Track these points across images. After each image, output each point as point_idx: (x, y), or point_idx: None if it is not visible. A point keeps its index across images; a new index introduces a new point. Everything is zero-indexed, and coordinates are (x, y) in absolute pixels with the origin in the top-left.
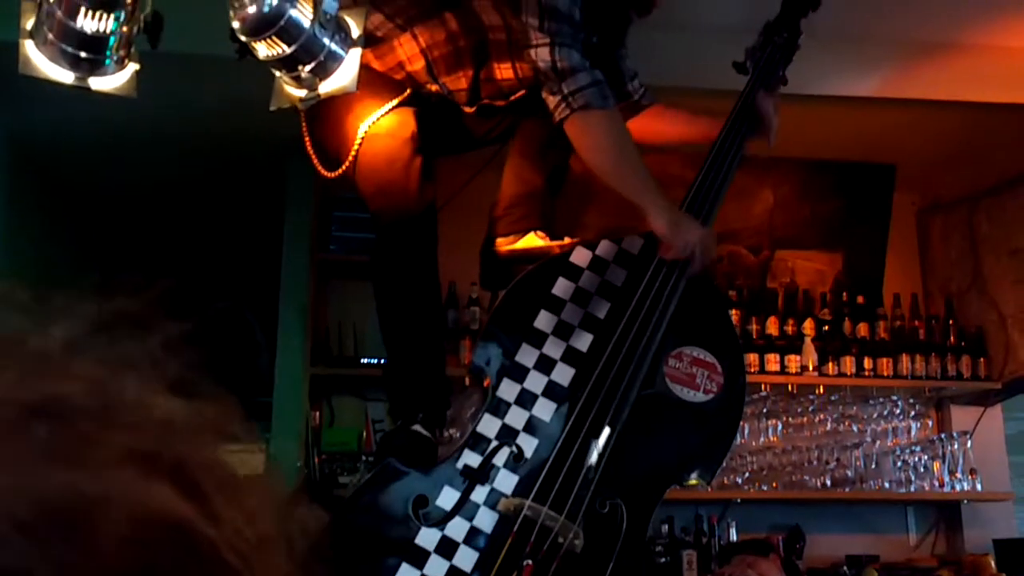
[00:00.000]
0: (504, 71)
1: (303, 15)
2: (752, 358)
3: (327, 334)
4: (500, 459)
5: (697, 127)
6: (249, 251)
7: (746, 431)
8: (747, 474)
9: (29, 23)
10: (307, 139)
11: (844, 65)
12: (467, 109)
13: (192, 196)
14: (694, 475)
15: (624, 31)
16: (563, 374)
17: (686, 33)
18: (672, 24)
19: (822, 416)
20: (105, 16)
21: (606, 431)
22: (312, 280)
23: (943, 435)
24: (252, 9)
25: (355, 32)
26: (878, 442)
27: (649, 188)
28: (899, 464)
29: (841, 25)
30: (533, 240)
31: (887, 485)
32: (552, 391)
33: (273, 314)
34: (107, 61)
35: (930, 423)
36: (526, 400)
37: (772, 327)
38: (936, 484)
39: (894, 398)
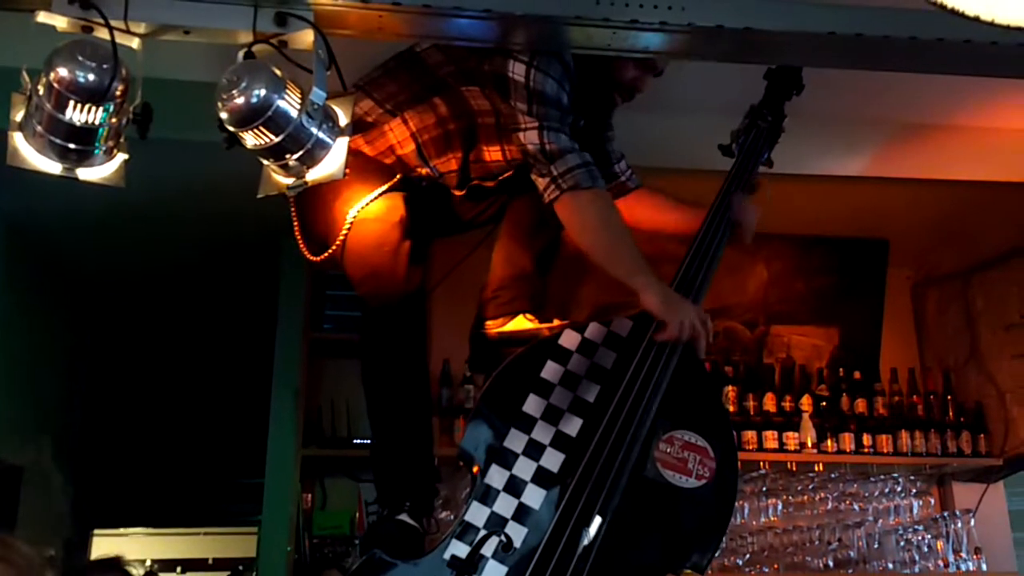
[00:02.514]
0: (493, 153)
1: (291, 105)
2: (750, 435)
3: (319, 414)
4: (488, 549)
5: (680, 217)
6: (242, 330)
7: (746, 510)
8: (748, 555)
9: (18, 115)
10: (296, 223)
11: (833, 145)
12: (457, 192)
13: (186, 275)
14: (688, 564)
15: (609, 115)
16: (552, 460)
17: (672, 114)
18: (658, 106)
19: (822, 494)
20: (94, 109)
21: (597, 519)
22: (304, 359)
23: (946, 513)
24: (240, 101)
25: (343, 120)
26: (880, 521)
27: (640, 267)
28: (902, 543)
29: (829, 107)
30: (522, 323)
31: (891, 566)
32: (541, 477)
33: (265, 394)
34: (95, 152)
35: (932, 501)
36: (515, 487)
37: (769, 403)
38: (940, 564)
39: (895, 475)
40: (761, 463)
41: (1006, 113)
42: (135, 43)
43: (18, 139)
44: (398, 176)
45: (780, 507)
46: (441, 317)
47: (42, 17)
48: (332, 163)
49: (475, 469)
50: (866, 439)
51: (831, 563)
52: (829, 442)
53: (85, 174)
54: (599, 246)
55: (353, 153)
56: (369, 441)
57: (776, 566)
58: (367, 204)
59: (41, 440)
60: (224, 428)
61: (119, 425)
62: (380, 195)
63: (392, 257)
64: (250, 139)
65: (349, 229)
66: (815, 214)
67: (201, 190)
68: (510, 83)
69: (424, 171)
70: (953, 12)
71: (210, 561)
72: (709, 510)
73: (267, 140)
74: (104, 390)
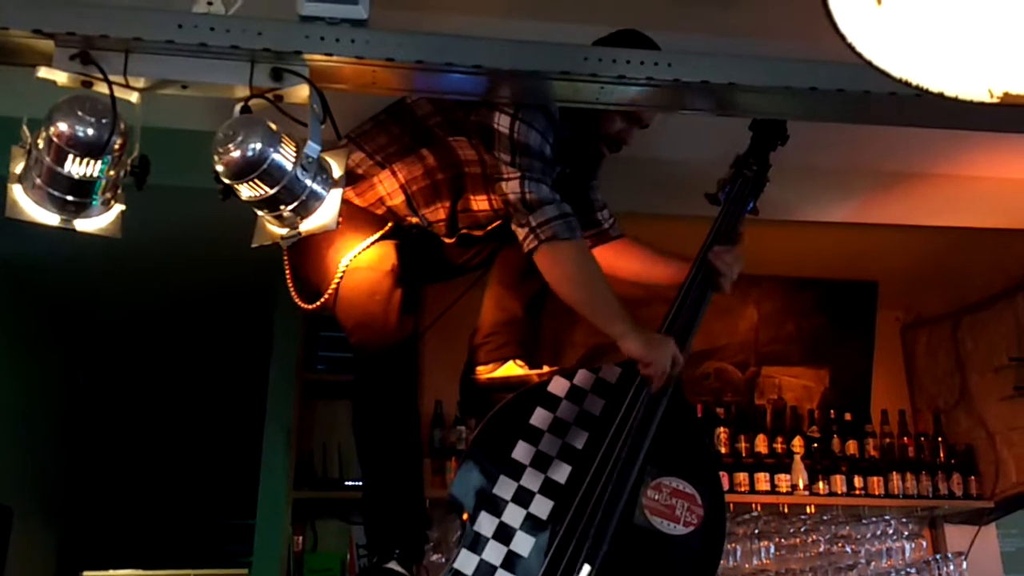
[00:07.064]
0: (480, 203)
1: (285, 158)
2: (741, 477)
3: (311, 455)
4: None
5: (661, 269)
6: (235, 370)
7: (738, 553)
8: None
9: (18, 168)
10: (288, 271)
11: (819, 193)
12: (447, 240)
13: (180, 317)
14: None
15: (596, 165)
16: (541, 507)
17: (660, 161)
18: (647, 153)
19: (815, 537)
20: (92, 162)
21: (585, 567)
22: (297, 400)
23: (938, 556)
24: (236, 154)
25: (336, 172)
26: (873, 563)
27: (618, 315)
28: None
29: (815, 157)
30: (512, 369)
31: None
32: (530, 525)
33: (258, 435)
34: (93, 203)
35: (924, 543)
36: (504, 534)
37: (761, 445)
38: None
39: (887, 517)
40: (753, 505)
41: (985, 163)
42: (134, 97)
43: (17, 191)
44: (389, 224)
45: (772, 550)
46: (434, 358)
47: (43, 72)
48: (326, 214)
49: (464, 516)
50: (857, 481)
51: None
52: (820, 484)
53: (82, 225)
54: (576, 296)
55: (344, 203)
56: (361, 484)
57: None
58: (359, 253)
59: (32, 480)
60: (216, 468)
61: (110, 465)
62: (372, 243)
63: (384, 305)
64: (245, 191)
65: (341, 278)
66: (805, 257)
67: (196, 234)
68: (495, 134)
69: (414, 220)
70: (918, 88)
71: None
72: (697, 557)
73: (262, 192)
74: (96, 430)
